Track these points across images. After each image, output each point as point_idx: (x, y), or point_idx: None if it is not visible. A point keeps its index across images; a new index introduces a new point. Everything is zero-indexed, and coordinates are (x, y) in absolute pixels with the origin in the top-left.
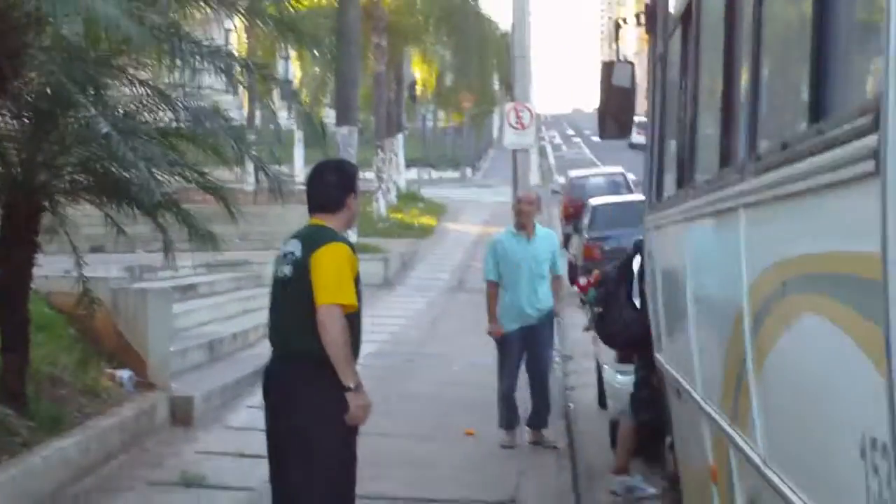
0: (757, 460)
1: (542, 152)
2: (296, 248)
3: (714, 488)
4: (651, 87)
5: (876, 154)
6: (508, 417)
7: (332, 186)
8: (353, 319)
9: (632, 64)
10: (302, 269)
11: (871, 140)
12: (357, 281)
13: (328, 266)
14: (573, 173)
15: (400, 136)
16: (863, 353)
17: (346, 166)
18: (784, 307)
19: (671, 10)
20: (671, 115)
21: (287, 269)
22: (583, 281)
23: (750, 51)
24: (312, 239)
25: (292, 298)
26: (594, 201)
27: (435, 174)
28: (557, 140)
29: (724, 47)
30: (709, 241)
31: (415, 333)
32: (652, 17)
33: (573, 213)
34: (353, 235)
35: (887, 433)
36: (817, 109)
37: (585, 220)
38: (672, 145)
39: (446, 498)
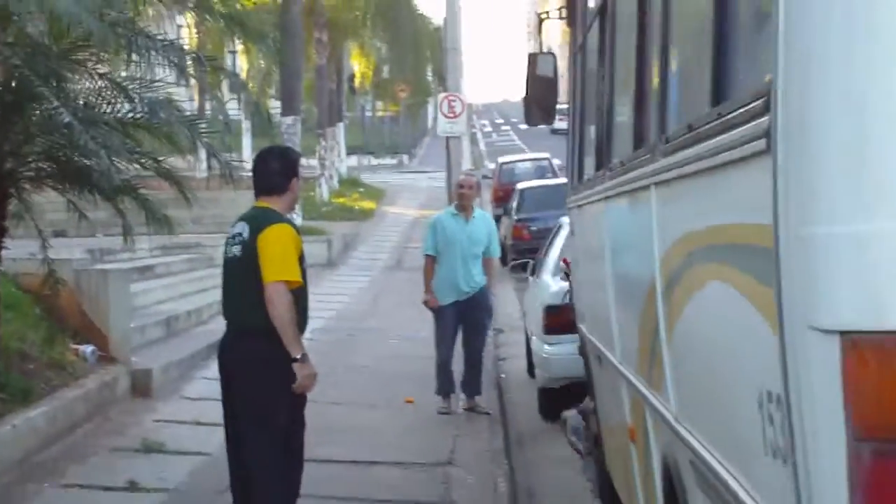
0: (670, 418)
1: (474, 139)
2: (243, 229)
3: (632, 447)
4: (572, 77)
5: (768, 133)
6: (445, 385)
7: (276, 171)
8: (298, 295)
9: (554, 55)
10: (249, 249)
11: (763, 121)
12: (301, 259)
13: (274, 246)
14: (502, 159)
15: (341, 125)
16: (759, 314)
17: (289, 152)
18: (691, 276)
19: (590, 4)
20: (590, 102)
21: (236, 250)
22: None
23: (658, 41)
24: (258, 221)
25: (242, 277)
26: (522, 185)
27: (374, 161)
28: (488, 128)
29: (636, 38)
30: (624, 218)
31: (357, 310)
32: (572, 11)
33: (503, 197)
34: (297, 218)
35: (780, 386)
36: (718, 94)
37: (514, 203)
38: (591, 130)
39: (389, 460)
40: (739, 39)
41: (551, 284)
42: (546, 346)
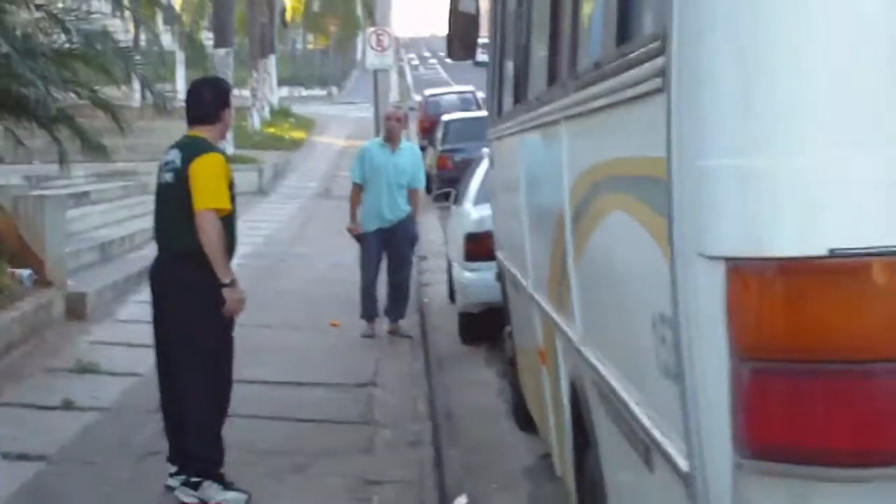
0: (576, 341)
1: (402, 72)
2: (176, 157)
3: (543, 369)
4: (492, 13)
5: (663, 73)
6: (369, 310)
7: (208, 101)
8: (227, 221)
9: None
10: (181, 176)
11: (659, 61)
12: (231, 187)
13: (205, 174)
14: (428, 92)
15: (272, 58)
16: (654, 241)
17: (220, 83)
18: (596, 206)
19: None
20: (509, 39)
21: (168, 177)
22: None
23: None
24: (190, 149)
25: (174, 203)
26: (447, 117)
27: (304, 92)
28: (415, 61)
29: None
30: (538, 151)
31: (286, 236)
32: None
33: (428, 128)
34: (230, 147)
35: (671, 309)
36: (623, 34)
37: (439, 134)
38: (510, 65)
39: (315, 381)
40: None
41: (472, 213)
42: (466, 273)
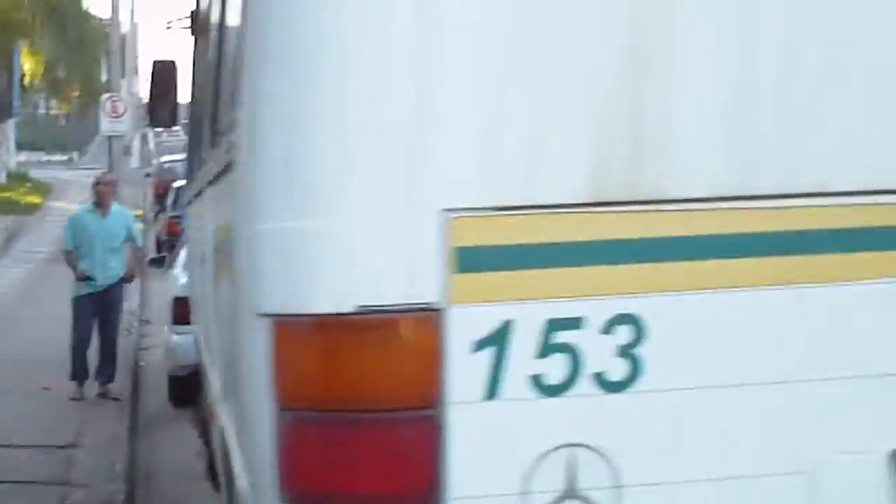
0: (217, 398)
1: (145, 138)
2: None
3: (215, 429)
4: (191, 83)
5: (235, 148)
6: (78, 372)
7: None
8: None
9: (174, 63)
10: None
11: (233, 138)
12: None
13: None
14: (164, 158)
15: (10, 122)
16: (234, 300)
17: None
18: (217, 268)
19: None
20: (194, 108)
21: None
22: None
23: (215, 64)
24: None
25: None
26: (177, 184)
27: (45, 157)
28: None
29: (210, 58)
30: (203, 216)
31: (10, 300)
32: (194, 22)
33: (163, 194)
34: None
35: (241, 363)
36: (233, 108)
37: (170, 200)
38: (192, 134)
39: (15, 444)
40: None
41: (180, 277)
42: (173, 336)
